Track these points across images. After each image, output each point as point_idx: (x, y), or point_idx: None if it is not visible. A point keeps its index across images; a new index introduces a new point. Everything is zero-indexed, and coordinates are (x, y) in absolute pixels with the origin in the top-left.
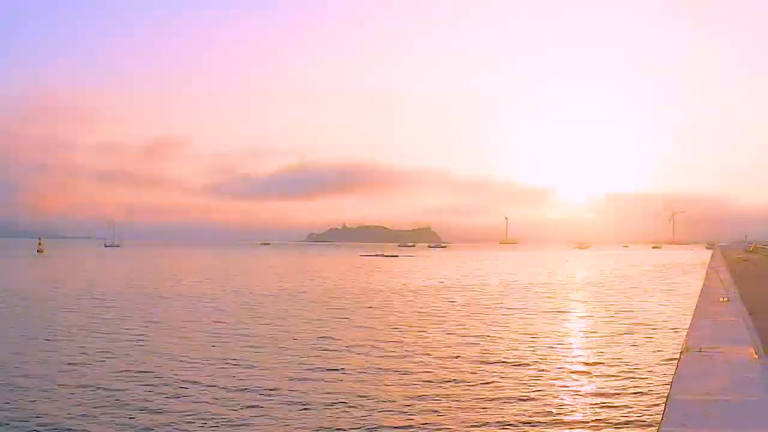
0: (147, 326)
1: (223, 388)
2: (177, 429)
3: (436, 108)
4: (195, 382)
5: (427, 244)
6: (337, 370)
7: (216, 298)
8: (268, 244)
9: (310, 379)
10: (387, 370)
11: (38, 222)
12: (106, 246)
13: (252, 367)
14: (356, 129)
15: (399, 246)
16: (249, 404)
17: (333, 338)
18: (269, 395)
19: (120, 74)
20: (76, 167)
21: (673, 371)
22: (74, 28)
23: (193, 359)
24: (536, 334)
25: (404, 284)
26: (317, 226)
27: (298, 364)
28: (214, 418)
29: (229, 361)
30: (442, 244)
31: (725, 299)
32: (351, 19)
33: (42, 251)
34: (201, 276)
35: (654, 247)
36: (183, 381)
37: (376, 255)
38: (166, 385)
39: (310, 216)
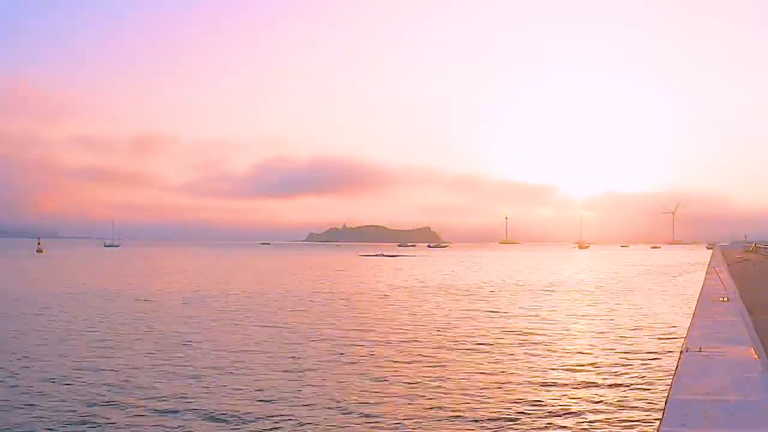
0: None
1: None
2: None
3: (433, 107)
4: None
5: (426, 244)
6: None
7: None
8: (269, 244)
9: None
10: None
11: (32, 221)
12: (105, 246)
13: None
14: (349, 128)
15: (399, 246)
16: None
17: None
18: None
19: (103, 69)
20: (64, 165)
21: (672, 371)
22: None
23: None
24: (534, 335)
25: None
26: (317, 225)
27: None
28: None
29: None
30: (442, 244)
31: (725, 299)
32: (340, 15)
33: (42, 251)
34: (221, 277)
35: (653, 247)
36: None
37: (377, 255)
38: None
39: (308, 215)
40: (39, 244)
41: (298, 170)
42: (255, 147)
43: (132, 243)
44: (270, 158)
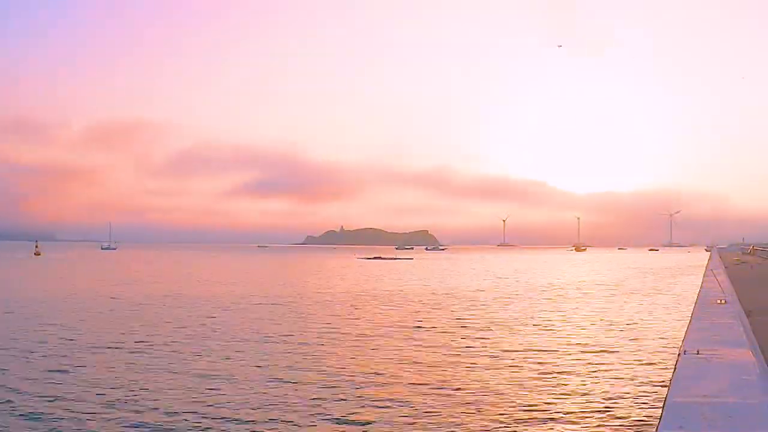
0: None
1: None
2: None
3: (433, 107)
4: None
5: (424, 247)
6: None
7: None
8: (266, 246)
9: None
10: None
11: (28, 224)
12: (102, 249)
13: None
14: (349, 128)
15: (396, 249)
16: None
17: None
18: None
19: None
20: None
21: (670, 373)
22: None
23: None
24: (533, 337)
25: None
26: (314, 228)
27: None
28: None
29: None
30: (440, 247)
31: (722, 301)
32: (339, 15)
33: (39, 254)
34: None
35: (651, 250)
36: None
37: (375, 258)
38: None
39: (305, 217)
40: (36, 247)
41: (293, 170)
42: (239, 143)
43: (129, 246)
44: (267, 158)
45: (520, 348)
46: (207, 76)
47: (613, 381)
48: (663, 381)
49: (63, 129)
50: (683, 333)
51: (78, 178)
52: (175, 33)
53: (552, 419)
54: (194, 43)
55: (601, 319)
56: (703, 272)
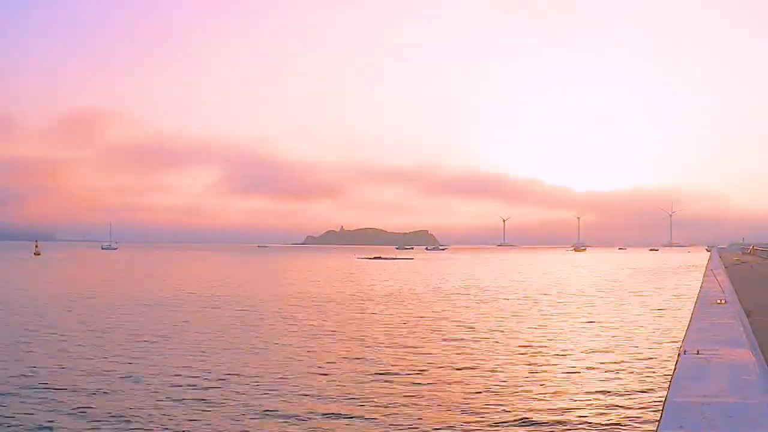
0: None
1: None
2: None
3: (433, 107)
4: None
5: (425, 247)
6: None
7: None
8: (266, 246)
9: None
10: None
11: (28, 224)
12: (102, 248)
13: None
14: (348, 127)
15: (397, 249)
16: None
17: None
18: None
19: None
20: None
21: (670, 373)
22: None
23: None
24: (533, 337)
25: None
26: (314, 228)
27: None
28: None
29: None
30: (440, 247)
31: (722, 301)
32: (339, 15)
33: (39, 254)
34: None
35: (651, 250)
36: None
37: (375, 258)
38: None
39: (306, 218)
40: (36, 246)
41: (291, 169)
42: (238, 142)
43: (127, 245)
44: (266, 156)
45: (519, 349)
46: (200, 75)
47: (613, 381)
48: (663, 381)
49: (31, 123)
50: (683, 333)
51: (53, 174)
52: (173, 33)
53: (551, 420)
54: (187, 43)
55: (601, 320)
56: (703, 272)
